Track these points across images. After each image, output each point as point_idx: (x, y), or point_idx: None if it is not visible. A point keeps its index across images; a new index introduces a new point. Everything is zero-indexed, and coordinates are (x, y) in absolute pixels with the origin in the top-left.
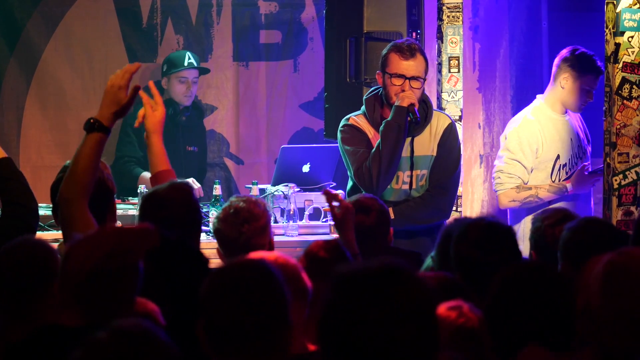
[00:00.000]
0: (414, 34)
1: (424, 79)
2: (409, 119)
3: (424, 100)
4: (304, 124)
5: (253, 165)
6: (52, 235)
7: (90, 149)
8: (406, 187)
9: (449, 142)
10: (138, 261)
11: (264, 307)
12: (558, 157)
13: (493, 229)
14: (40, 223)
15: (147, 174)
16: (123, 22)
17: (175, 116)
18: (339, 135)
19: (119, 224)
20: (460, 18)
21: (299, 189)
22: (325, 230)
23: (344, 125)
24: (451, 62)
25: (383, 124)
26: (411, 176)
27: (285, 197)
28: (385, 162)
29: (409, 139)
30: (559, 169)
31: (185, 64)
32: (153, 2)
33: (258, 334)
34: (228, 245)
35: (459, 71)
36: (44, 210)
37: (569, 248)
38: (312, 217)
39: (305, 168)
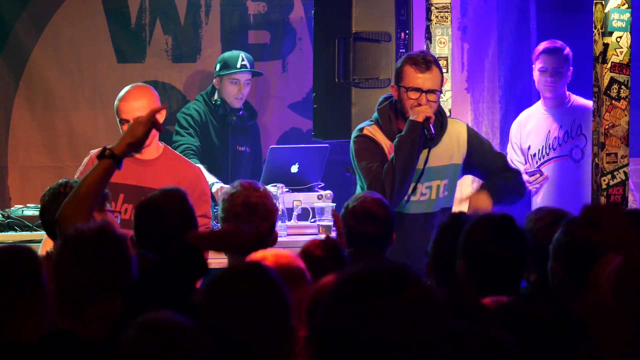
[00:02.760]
0: (402, 34)
1: (440, 91)
2: (424, 134)
3: (439, 111)
4: (293, 124)
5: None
6: (39, 236)
7: (97, 174)
8: (424, 198)
9: (477, 139)
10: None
11: (267, 317)
12: (529, 147)
13: (509, 225)
14: (27, 223)
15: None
16: (111, 22)
17: (226, 116)
18: (352, 146)
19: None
20: (449, 18)
21: (287, 189)
22: (313, 231)
23: (357, 137)
24: (440, 62)
25: (397, 139)
26: (431, 187)
27: (274, 197)
28: (398, 177)
29: (425, 151)
30: (531, 158)
31: (239, 66)
32: (142, 3)
33: (261, 344)
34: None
35: (447, 71)
36: (32, 210)
37: (561, 247)
38: (300, 217)
39: (294, 168)
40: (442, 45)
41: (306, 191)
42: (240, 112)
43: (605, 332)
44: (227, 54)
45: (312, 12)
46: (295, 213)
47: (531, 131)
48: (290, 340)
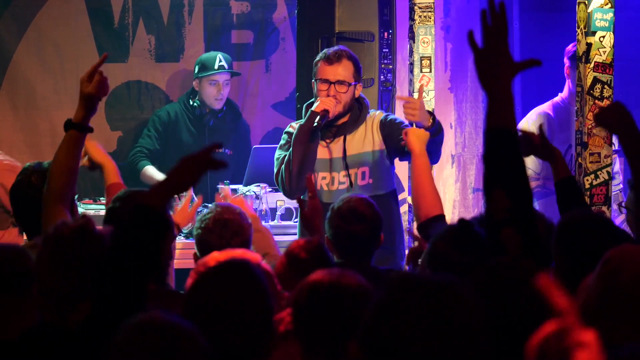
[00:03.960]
0: (385, 34)
1: (352, 84)
2: (319, 124)
3: (359, 102)
4: (276, 124)
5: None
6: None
7: (64, 148)
8: (343, 187)
9: (390, 122)
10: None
11: (250, 319)
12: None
13: (469, 231)
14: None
15: (150, 168)
16: (94, 22)
17: (202, 118)
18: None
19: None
20: (432, 18)
21: (270, 189)
22: (296, 230)
23: (284, 132)
24: (423, 62)
25: (296, 128)
26: (349, 175)
27: (257, 197)
28: (295, 165)
29: (340, 138)
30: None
31: (216, 67)
32: (124, 2)
33: (242, 345)
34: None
35: (430, 71)
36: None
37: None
38: (283, 217)
39: None
40: (426, 44)
41: None
42: (221, 115)
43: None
44: (205, 55)
45: (296, 11)
46: (278, 213)
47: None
48: (271, 340)
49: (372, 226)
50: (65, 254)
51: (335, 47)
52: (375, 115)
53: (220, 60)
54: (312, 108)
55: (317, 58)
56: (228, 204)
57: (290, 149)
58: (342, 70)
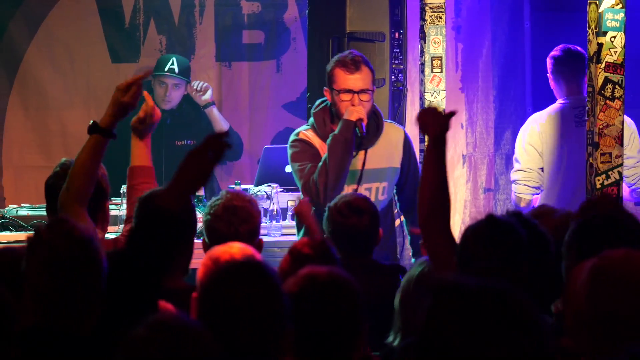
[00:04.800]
0: (396, 34)
1: (372, 90)
2: (357, 134)
3: (375, 112)
4: (287, 124)
5: (236, 166)
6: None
7: (87, 151)
8: None
9: (412, 150)
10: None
11: (265, 319)
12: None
13: (501, 228)
14: (22, 223)
15: None
16: (105, 22)
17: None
18: (289, 150)
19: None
20: (443, 18)
21: (281, 189)
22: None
23: (294, 141)
24: (434, 62)
25: (330, 137)
26: (370, 189)
27: (268, 197)
28: (332, 176)
29: (362, 152)
30: None
31: (166, 69)
32: (135, 3)
33: (256, 345)
34: (220, 242)
35: (441, 71)
36: (27, 210)
37: (577, 244)
38: (294, 217)
39: (288, 168)
40: (436, 45)
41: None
42: (177, 114)
43: (581, 335)
44: (162, 56)
45: (306, 12)
46: (289, 213)
47: None
48: (286, 340)
49: (369, 219)
50: (53, 257)
51: (348, 53)
52: (394, 129)
53: (172, 63)
54: (345, 116)
55: (332, 65)
56: (238, 191)
57: (324, 158)
58: (363, 79)
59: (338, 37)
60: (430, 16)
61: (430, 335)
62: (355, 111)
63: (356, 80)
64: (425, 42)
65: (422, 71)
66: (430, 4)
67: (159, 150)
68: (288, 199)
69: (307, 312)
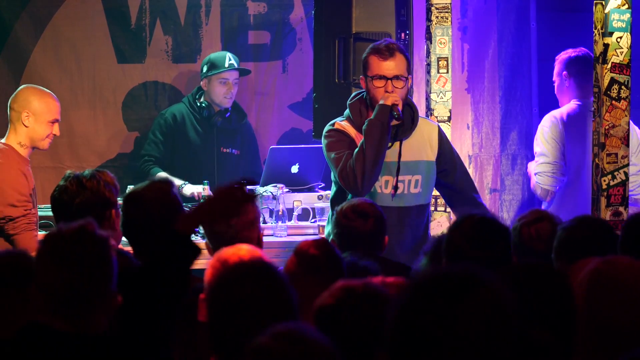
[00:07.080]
0: (402, 35)
1: (407, 78)
2: (394, 118)
3: (409, 105)
4: (293, 125)
5: None
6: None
7: None
8: (398, 192)
9: (448, 143)
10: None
11: (273, 319)
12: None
13: (488, 225)
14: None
15: (163, 174)
16: (111, 22)
17: (211, 118)
18: (323, 141)
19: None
20: (449, 19)
21: (287, 190)
22: (314, 231)
23: (329, 131)
24: (440, 62)
25: (366, 123)
26: (403, 181)
27: (274, 197)
28: (369, 161)
29: (397, 143)
30: None
31: (226, 65)
32: (142, 3)
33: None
34: (216, 238)
35: (447, 72)
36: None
37: (564, 247)
38: (300, 217)
39: (294, 169)
40: (443, 45)
41: (306, 191)
42: (228, 114)
43: (579, 338)
44: (213, 55)
45: (312, 12)
46: (295, 213)
47: None
48: None
49: (374, 223)
50: (65, 253)
51: (383, 40)
52: (428, 124)
53: (229, 59)
54: (380, 102)
55: (367, 53)
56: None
57: (361, 143)
58: (397, 65)
59: (344, 37)
60: (437, 17)
61: (401, 329)
62: (390, 96)
63: (389, 66)
64: (431, 43)
65: (428, 72)
66: (436, 4)
67: (212, 154)
68: (294, 199)
69: (345, 323)
